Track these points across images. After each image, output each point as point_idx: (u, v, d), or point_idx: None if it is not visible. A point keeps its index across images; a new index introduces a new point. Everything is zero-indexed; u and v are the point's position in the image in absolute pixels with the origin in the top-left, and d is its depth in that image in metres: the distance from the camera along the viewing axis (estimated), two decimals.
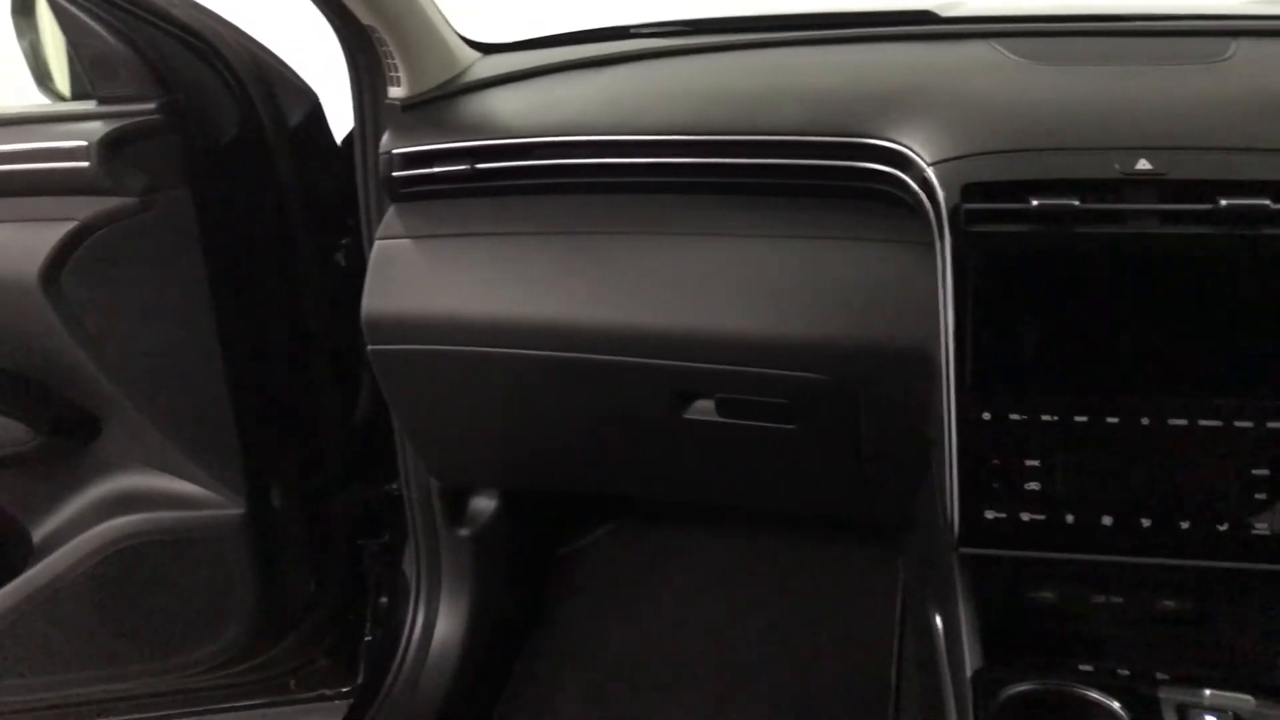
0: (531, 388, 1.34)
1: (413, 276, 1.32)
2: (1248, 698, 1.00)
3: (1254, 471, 1.02)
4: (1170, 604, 1.17)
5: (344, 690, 1.80)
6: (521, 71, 1.44)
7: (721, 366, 1.24)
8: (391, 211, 1.37)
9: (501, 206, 1.32)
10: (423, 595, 1.71)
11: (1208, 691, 1.00)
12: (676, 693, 1.74)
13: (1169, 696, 1.01)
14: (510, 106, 1.38)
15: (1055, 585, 1.19)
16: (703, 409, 1.31)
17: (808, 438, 1.29)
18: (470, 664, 1.71)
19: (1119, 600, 1.18)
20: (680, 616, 1.85)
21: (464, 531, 1.68)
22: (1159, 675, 1.04)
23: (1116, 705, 1.02)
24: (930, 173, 1.11)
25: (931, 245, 1.10)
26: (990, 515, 1.07)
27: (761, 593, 1.86)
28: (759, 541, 1.91)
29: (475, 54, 1.51)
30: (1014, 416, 1.06)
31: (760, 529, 1.90)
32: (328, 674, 1.80)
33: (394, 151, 1.34)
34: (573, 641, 1.84)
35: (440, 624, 1.70)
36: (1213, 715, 0.98)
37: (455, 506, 1.68)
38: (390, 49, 1.32)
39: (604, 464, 1.50)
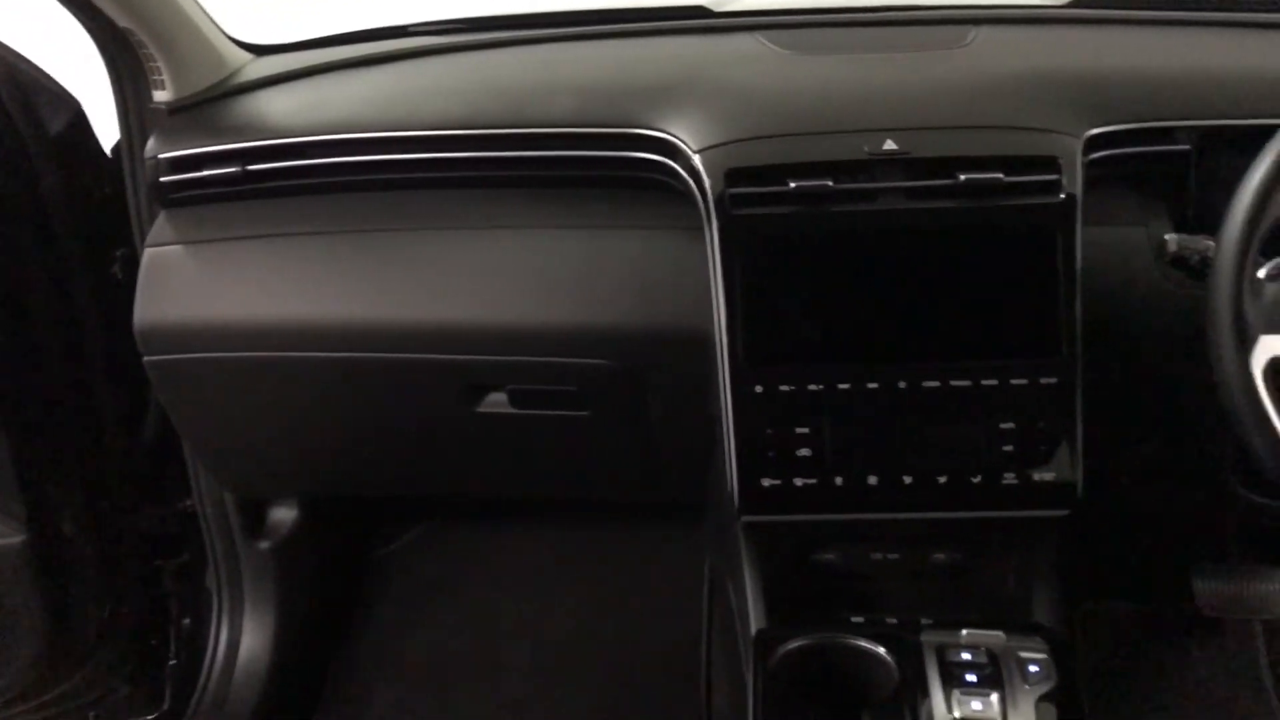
0: (318, 391, 1.33)
1: (186, 283, 1.29)
2: (999, 634, 1.08)
3: (1001, 426, 1.10)
4: (941, 557, 1.25)
5: (149, 718, 1.74)
6: (294, 72, 1.42)
7: (510, 358, 1.26)
8: (161, 218, 1.33)
9: (276, 208, 1.30)
10: (225, 613, 1.67)
11: (964, 632, 1.08)
12: (491, 690, 1.75)
13: (929, 639, 1.08)
14: (282, 107, 1.36)
15: (837, 546, 1.26)
16: (495, 401, 1.32)
17: (600, 423, 1.32)
18: (280, 678, 1.67)
19: (895, 556, 1.25)
20: (492, 613, 1.86)
21: (264, 544, 1.64)
22: (923, 621, 1.11)
23: (882, 650, 1.09)
24: (697, 160, 1.15)
25: (701, 230, 1.14)
26: (767, 483, 1.12)
27: (572, 583, 1.88)
28: (568, 532, 1.93)
29: (246, 55, 1.48)
30: (784, 388, 1.12)
31: (568, 520, 1.93)
32: (131, 702, 1.73)
33: (160, 156, 1.30)
34: (385, 646, 1.83)
35: (246, 640, 1.66)
36: (968, 652, 1.06)
37: (253, 519, 1.64)
38: (151, 51, 1.28)
39: (400, 465, 1.49)
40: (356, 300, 1.26)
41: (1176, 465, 1.29)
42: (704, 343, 1.16)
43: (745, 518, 1.16)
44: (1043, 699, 1.02)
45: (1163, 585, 1.68)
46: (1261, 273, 0.97)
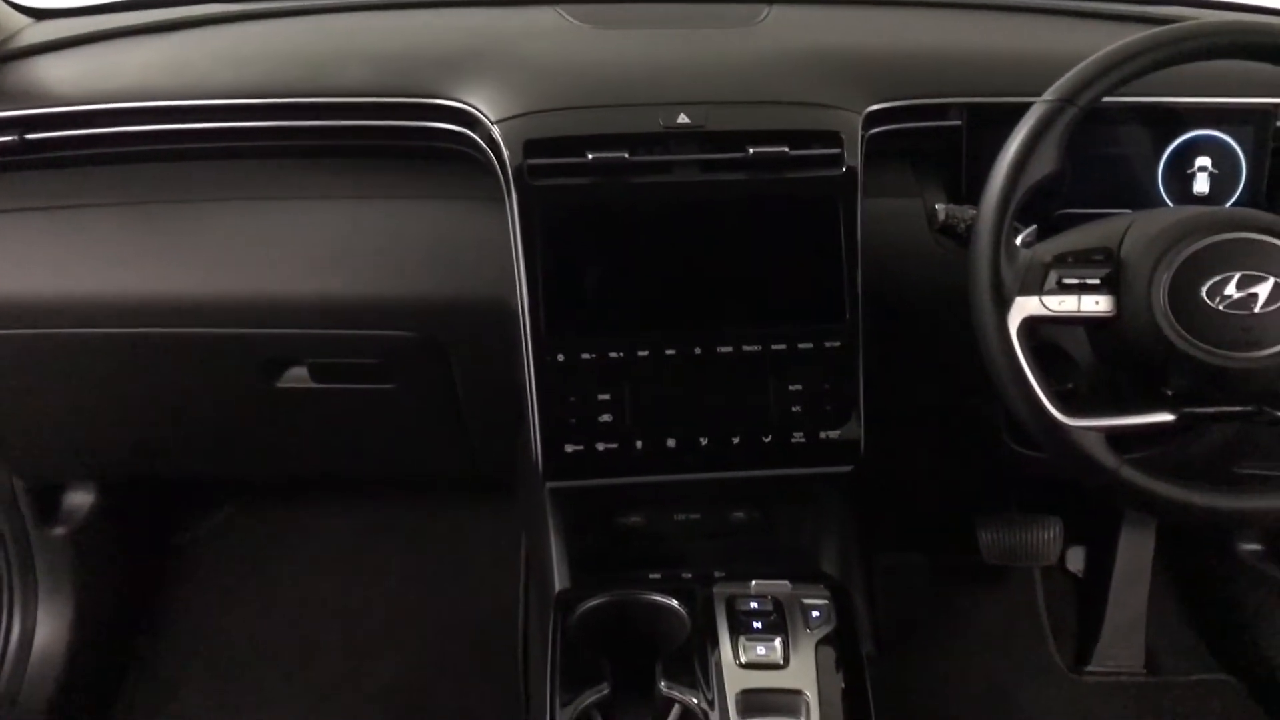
0: (109, 369, 1.28)
1: None
2: (785, 583, 1.14)
3: (790, 388, 1.15)
4: (739, 515, 1.30)
5: None
6: (78, 37, 1.35)
7: (310, 331, 1.24)
8: None
9: (60, 179, 1.25)
10: (18, 603, 1.59)
11: (753, 583, 1.13)
12: (304, 672, 1.73)
13: (720, 590, 1.13)
14: (65, 73, 1.30)
15: (640, 509, 1.29)
16: (296, 376, 1.30)
17: (406, 396, 1.32)
18: (79, 670, 1.61)
19: (696, 516, 1.30)
20: (304, 595, 1.83)
21: (59, 530, 1.58)
22: (716, 574, 1.16)
23: (675, 603, 1.13)
24: (495, 131, 1.16)
25: (502, 201, 1.16)
26: (569, 449, 1.14)
27: (388, 559, 1.87)
28: (380, 510, 1.91)
29: (25, 19, 1.41)
30: (585, 356, 1.14)
31: (380, 497, 1.91)
32: None
33: None
34: (193, 632, 1.78)
35: (40, 632, 1.59)
36: (755, 601, 1.11)
37: (46, 504, 1.57)
38: None
39: (199, 444, 1.46)
40: (147, 274, 1.22)
41: (953, 422, 1.38)
42: (507, 313, 1.18)
43: (549, 483, 1.18)
44: (822, 641, 1.08)
45: (952, 538, 1.79)
46: (1018, 239, 1.04)
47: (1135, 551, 1.80)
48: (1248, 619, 1.72)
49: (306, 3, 1.44)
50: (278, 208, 1.24)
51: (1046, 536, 1.72)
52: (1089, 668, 1.78)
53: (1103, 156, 1.25)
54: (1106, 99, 1.06)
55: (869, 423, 1.17)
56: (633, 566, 1.21)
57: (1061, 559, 1.89)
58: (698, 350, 1.15)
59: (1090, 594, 1.84)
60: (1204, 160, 1.25)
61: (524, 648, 1.69)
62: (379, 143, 1.26)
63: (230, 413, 1.37)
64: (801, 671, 1.05)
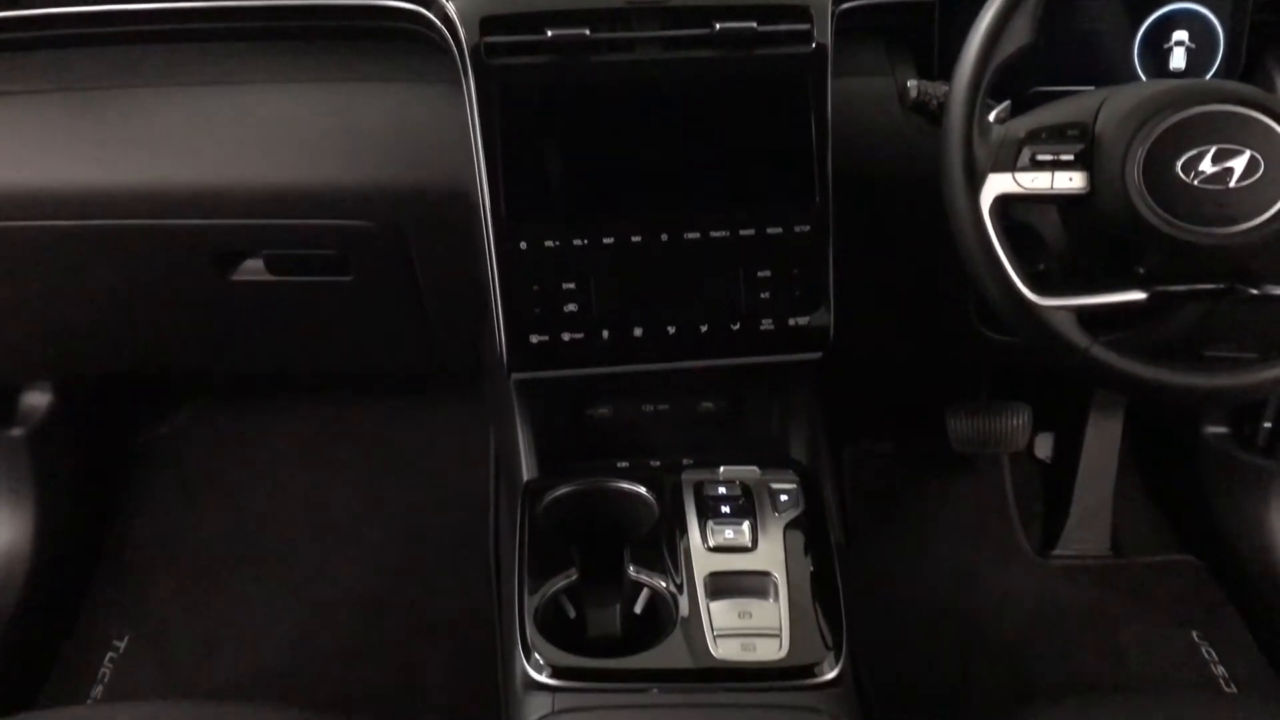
0: (60, 263, 1.24)
1: None
2: (754, 469, 1.13)
3: (759, 274, 1.13)
4: (708, 405, 1.29)
5: None
6: None
7: (263, 221, 1.20)
8: None
9: None
10: None
11: (721, 469, 1.13)
12: (272, 570, 1.72)
13: (689, 477, 1.12)
14: None
15: (608, 400, 1.28)
16: (252, 269, 1.27)
17: (365, 289, 1.29)
18: (44, 570, 1.60)
19: (665, 407, 1.28)
20: (270, 494, 1.82)
21: (16, 432, 1.55)
22: (684, 461, 1.15)
23: (643, 490, 1.12)
24: (450, 8, 1.11)
25: (459, 84, 1.11)
26: (535, 339, 1.12)
27: (355, 456, 1.86)
28: (347, 408, 1.89)
29: None
30: (548, 244, 1.11)
31: (347, 395, 1.89)
32: None
33: None
34: (158, 532, 1.77)
35: (2, 534, 1.57)
36: (723, 487, 1.10)
37: (2, 406, 1.54)
38: None
39: (154, 340, 1.42)
40: (92, 164, 1.17)
41: (924, 307, 1.36)
42: (467, 201, 1.14)
43: (515, 375, 1.16)
44: (790, 525, 1.08)
45: (921, 426, 1.80)
46: (991, 116, 1.02)
47: (1103, 438, 1.81)
48: (1211, 500, 1.74)
49: None
50: (227, 93, 1.19)
51: (1015, 424, 1.72)
52: (1055, 551, 1.80)
53: (1078, 32, 1.22)
54: None
55: (839, 309, 1.15)
56: (600, 457, 1.20)
57: (1030, 446, 1.90)
58: (664, 237, 1.12)
59: (1057, 480, 1.86)
60: (1181, 34, 1.21)
61: (495, 541, 1.69)
62: (331, 23, 1.21)
63: (185, 307, 1.33)
64: (769, 554, 1.05)
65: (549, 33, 1.08)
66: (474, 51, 1.08)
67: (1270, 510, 1.65)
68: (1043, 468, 1.90)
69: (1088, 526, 1.81)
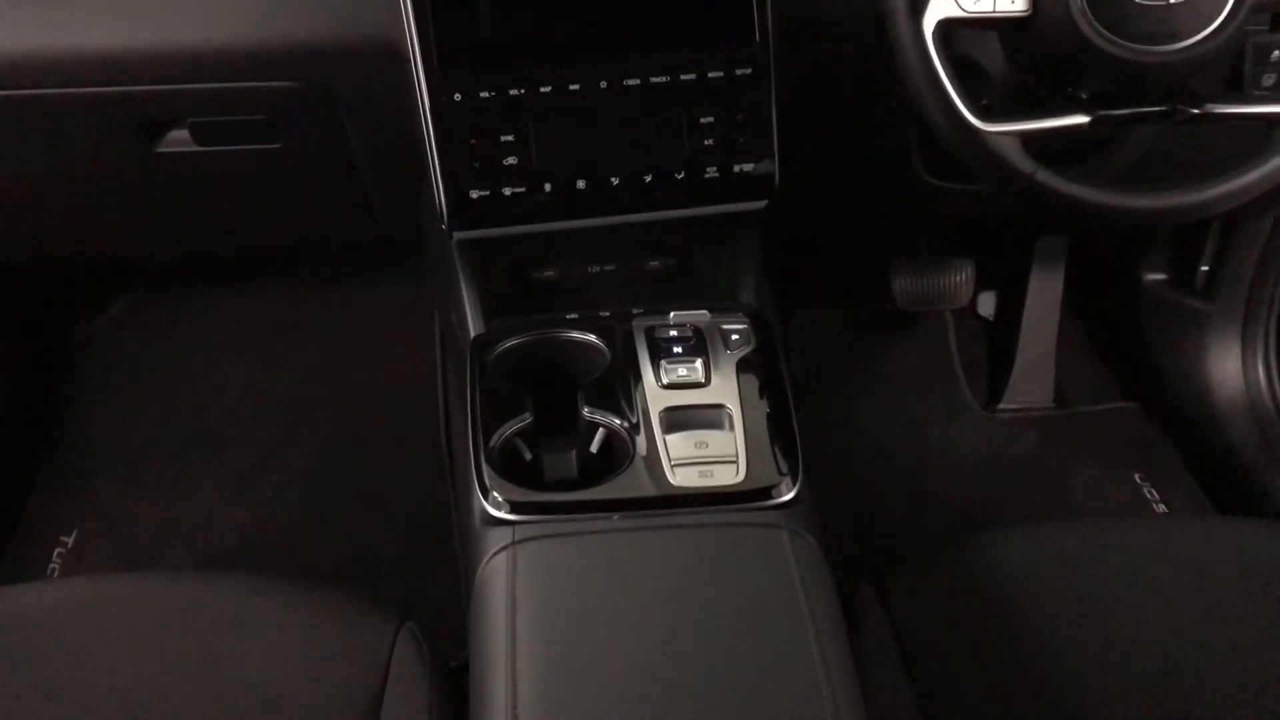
0: None
1: None
2: (703, 312, 1.13)
3: (702, 120, 1.11)
4: (655, 263, 1.27)
5: None
6: None
7: (187, 86, 1.15)
8: None
9: None
10: None
11: (672, 314, 1.12)
12: (217, 458, 1.71)
13: (639, 324, 1.11)
14: None
15: (554, 263, 1.26)
16: (178, 139, 1.22)
17: (296, 155, 1.25)
18: None
19: (611, 267, 1.27)
20: (212, 382, 1.79)
21: None
22: (634, 310, 1.14)
23: (593, 337, 1.12)
24: None
25: None
26: (475, 194, 1.10)
27: (298, 339, 1.83)
28: (291, 289, 1.86)
29: None
30: (484, 94, 1.07)
31: (290, 277, 1.85)
32: None
33: None
34: (100, 423, 1.74)
35: None
36: (675, 330, 1.10)
37: None
38: None
39: (80, 221, 1.37)
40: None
41: (867, 153, 1.35)
42: (396, 53, 1.10)
43: (456, 234, 1.13)
44: (743, 360, 1.08)
45: (866, 288, 1.80)
46: None
47: (1044, 291, 1.83)
48: (1151, 346, 1.78)
49: None
50: None
51: (959, 279, 1.73)
52: (1001, 405, 1.83)
53: None
54: None
55: (784, 161, 1.14)
56: (548, 312, 1.19)
57: (973, 305, 1.92)
58: (603, 84, 1.09)
59: (1001, 336, 1.88)
60: None
61: (445, 413, 1.68)
62: None
63: (110, 183, 1.28)
64: (723, 387, 1.04)
65: None
66: None
67: (1208, 351, 1.68)
68: (986, 325, 1.92)
69: (1031, 379, 1.84)
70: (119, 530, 1.62)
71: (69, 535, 1.61)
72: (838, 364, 1.86)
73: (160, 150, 1.22)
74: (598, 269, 1.26)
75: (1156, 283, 1.76)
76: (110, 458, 1.72)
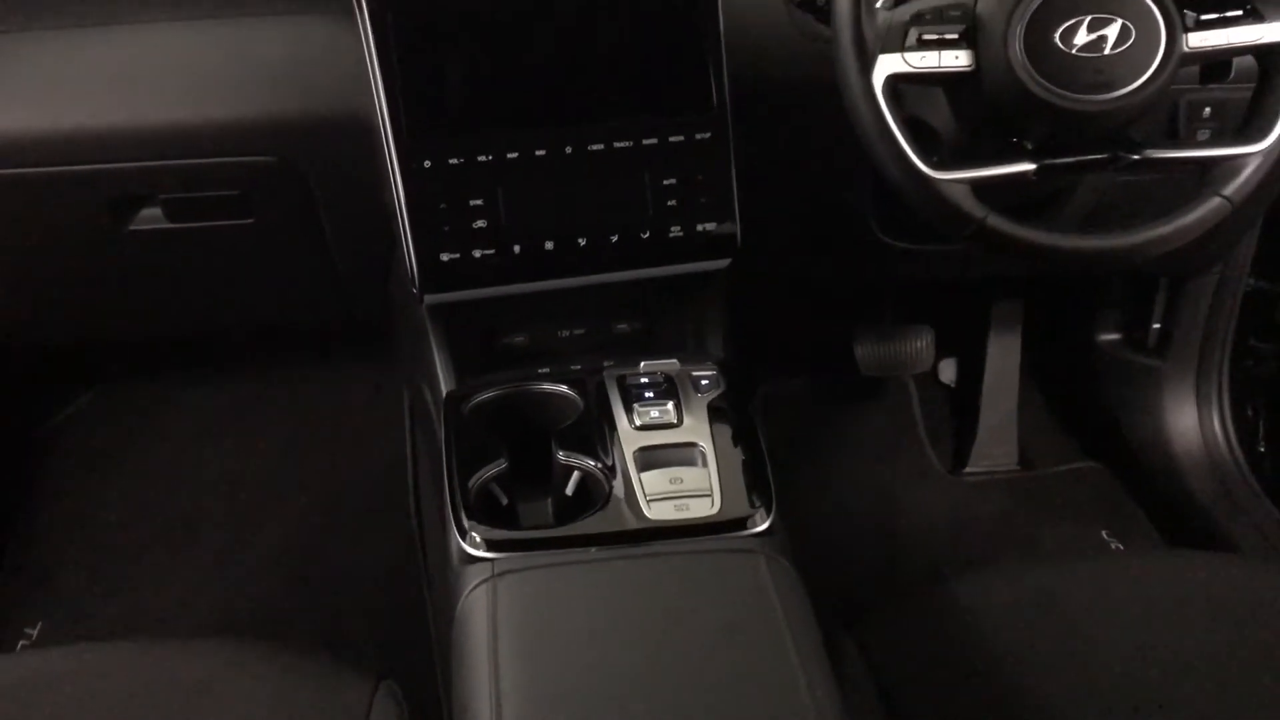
0: None
1: None
2: (673, 361, 1.15)
3: (664, 182, 1.15)
4: (624, 326, 1.30)
5: None
6: None
7: (159, 163, 1.18)
8: None
9: None
10: None
11: (642, 363, 1.14)
12: (185, 546, 1.69)
13: (611, 373, 1.13)
14: None
15: (524, 328, 1.28)
16: (150, 217, 1.24)
17: (267, 230, 1.27)
18: None
19: (581, 331, 1.29)
20: (180, 470, 1.78)
21: None
22: (605, 364, 1.16)
23: (565, 388, 1.13)
24: None
25: (351, 14, 1.11)
26: (446, 257, 1.12)
27: (266, 425, 1.83)
28: (257, 376, 1.86)
29: None
30: (452, 161, 1.11)
31: (256, 362, 1.86)
32: None
33: None
34: (67, 518, 1.72)
35: None
36: (646, 377, 1.12)
37: None
38: None
39: (51, 304, 1.38)
40: None
41: (826, 217, 1.39)
42: (367, 128, 1.13)
43: (428, 298, 1.15)
44: (713, 403, 1.10)
45: (830, 357, 1.84)
46: (878, 3, 1.05)
47: (1003, 356, 1.87)
48: (1109, 406, 1.81)
49: None
50: (116, 33, 1.17)
51: (919, 345, 1.78)
52: (967, 469, 1.85)
53: None
54: None
55: (745, 222, 1.17)
56: (520, 369, 1.21)
57: (934, 372, 1.96)
58: (569, 149, 1.13)
59: (964, 401, 1.92)
60: None
61: (415, 492, 1.68)
62: None
63: (83, 264, 1.30)
64: (695, 427, 1.06)
65: None
66: None
67: (1164, 407, 1.72)
68: (949, 391, 1.96)
69: (996, 443, 1.87)
70: (85, 622, 1.59)
71: (33, 628, 1.58)
72: (805, 433, 1.89)
73: (133, 228, 1.24)
74: (567, 333, 1.29)
75: (1111, 343, 1.80)
76: (74, 553, 1.69)
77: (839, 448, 1.87)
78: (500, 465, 1.05)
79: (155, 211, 1.24)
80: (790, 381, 1.93)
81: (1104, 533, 1.72)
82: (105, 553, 1.68)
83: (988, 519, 1.76)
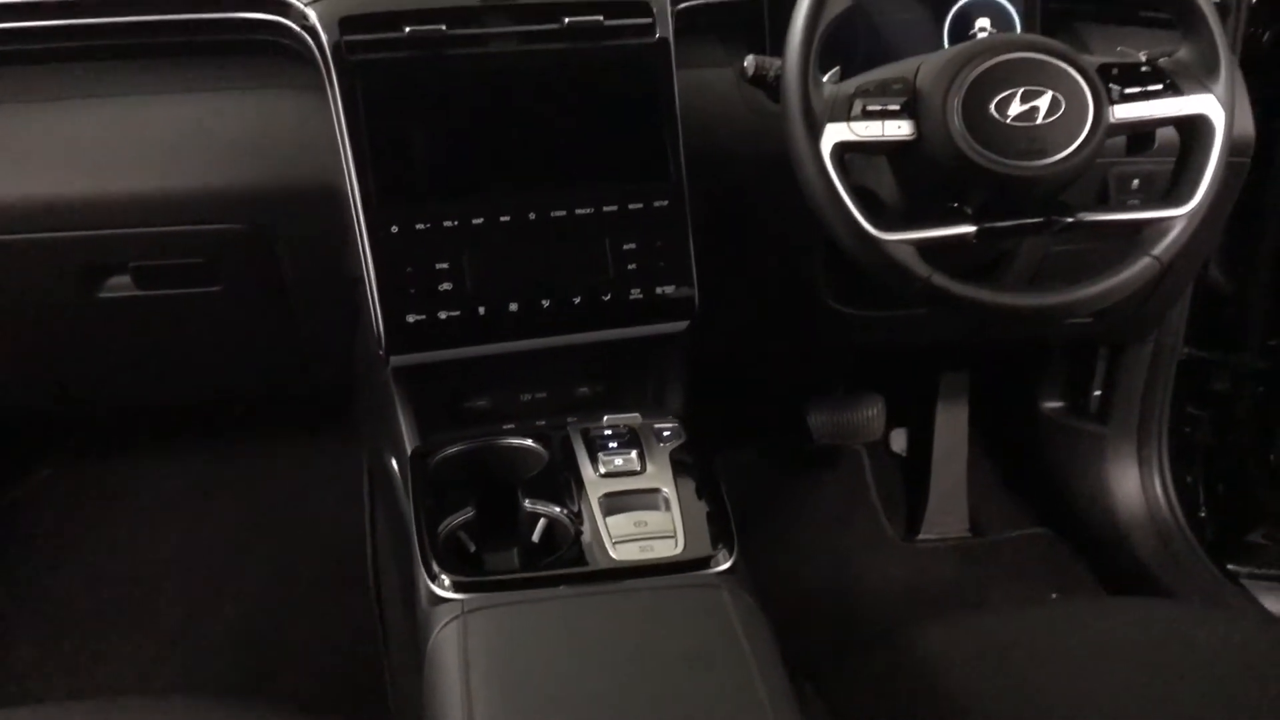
0: None
1: None
2: (635, 415, 1.18)
3: (625, 246, 1.19)
4: (585, 390, 1.33)
5: None
6: None
7: (130, 230, 1.21)
8: None
9: None
10: None
11: (605, 417, 1.18)
12: (143, 624, 1.67)
13: (575, 427, 1.17)
14: None
15: (487, 391, 1.31)
16: (118, 285, 1.26)
17: (234, 297, 1.29)
18: None
19: (543, 395, 1.32)
20: (138, 547, 1.77)
21: None
22: (569, 419, 1.19)
23: (530, 442, 1.16)
24: (309, 12, 1.16)
25: (321, 89, 1.15)
26: (412, 319, 1.15)
27: (225, 504, 1.82)
28: (217, 450, 1.86)
29: None
30: (419, 227, 1.15)
31: (215, 437, 1.86)
32: None
33: None
34: (22, 591, 1.69)
35: None
36: (609, 429, 1.15)
37: None
38: None
39: (17, 372, 1.39)
40: None
41: (779, 286, 1.45)
42: (334, 196, 1.17)
43: (393, 359, 1.18)
44: (675, 451, 1.14)
45: (785, 426, 1.88)
46: (824, 79, 1.11)
47: (951, 425, 1.92)
48: (1055, 473, 1.87)
49: None
50: (90, 106, 1.21)
51: (870, 414, 1.82)
52: (920, 536, 1.89)
53: (894, 23, 1.34)
54: None
55: (701, 291, 1.22)
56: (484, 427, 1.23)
57: (886, 441, 2.00)
58: (532, 215, 1.17)
59: (914, 470, 1.96)
60: (983, 21, 1.35)
61: (374, 567, 1.68)
62: (188, 38, 1.23)
63: (50, 332, 1.31)
64: (658, 474, 1.10)
65: (406, 30, 1.13)
66: (335, 49, 1.13)
67: (1108, 472, 1.78)
68: (900, 460, 2.00)
69: (946, 510, 1.91)
70: (39, 698, 1.56)
71: None
72: (761, 501, 1.92)
73: (102, 295, 1.26)
74: (529, 396, 1.32)
75: (1054, 410, 1.86)
76: (27, 633, 1.67)
77: (794, 515, 1.90)
78: (467, 513, 1.07)
79: (125, 279, 1.26)
80: (745, 450, 1.97)
81: (1054, 596, 1.76)
82: (60, 628, 1.66)
83: (940, 584, 1.80)
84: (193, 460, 1.86)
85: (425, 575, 0.99)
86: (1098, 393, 1.80)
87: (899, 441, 2.01)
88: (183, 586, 1.73)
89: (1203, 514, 1.82)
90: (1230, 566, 1.70)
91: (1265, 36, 1.55)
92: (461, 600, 0.96)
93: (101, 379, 1.44)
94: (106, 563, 1.76)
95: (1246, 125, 1.37)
